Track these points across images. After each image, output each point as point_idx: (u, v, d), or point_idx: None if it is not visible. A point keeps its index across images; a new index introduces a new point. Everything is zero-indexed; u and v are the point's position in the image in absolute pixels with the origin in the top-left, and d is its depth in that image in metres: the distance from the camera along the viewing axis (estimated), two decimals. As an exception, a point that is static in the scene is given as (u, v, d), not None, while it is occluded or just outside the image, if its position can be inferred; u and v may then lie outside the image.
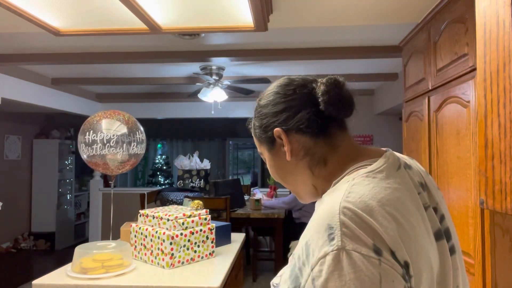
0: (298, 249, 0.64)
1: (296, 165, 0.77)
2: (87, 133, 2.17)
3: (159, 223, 1.86)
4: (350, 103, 0.74)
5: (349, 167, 0.71)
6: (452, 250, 0.70)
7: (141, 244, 1.89)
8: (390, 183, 0.66)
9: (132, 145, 2.22)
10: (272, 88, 0.81)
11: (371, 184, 0.64)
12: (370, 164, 0.69)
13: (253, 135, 0.83)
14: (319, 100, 0.73)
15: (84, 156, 2.22)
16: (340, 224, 0.57)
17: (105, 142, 2.14)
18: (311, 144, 0.75)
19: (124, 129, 2.21)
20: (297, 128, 0.75)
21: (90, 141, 2.15)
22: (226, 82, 4.18)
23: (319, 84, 0.75)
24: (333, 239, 0.56)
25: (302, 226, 4.11)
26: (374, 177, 0.66)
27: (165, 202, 3.70)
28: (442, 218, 0.72)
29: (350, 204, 0.60)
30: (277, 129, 0.76)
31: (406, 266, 0.57)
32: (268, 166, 0.83)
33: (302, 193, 0.81)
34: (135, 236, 1.94)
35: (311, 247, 0.59)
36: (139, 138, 2.29)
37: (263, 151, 0.82)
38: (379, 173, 0.67)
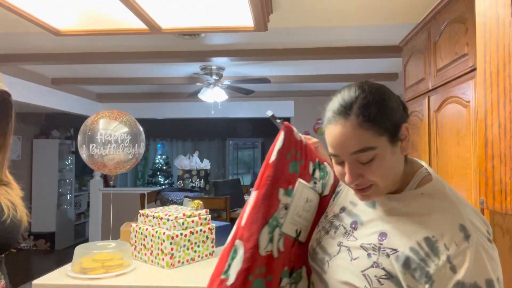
0: (408, 243, 0.73)
1: (402, 159, 0.82)
2: (87, 133, 2.17)
3: (159, 223, 1.86)
4: None
5: (414, 167, 0.84)
6: None
7: (141, 244, 1.89)
8: None
9: (132, 145, 2.22)
10: (368, 86, 0.83)
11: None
12: (427, 169, 0.83)
13: (368, 129, 0.76)
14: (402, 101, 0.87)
15: (84, 156, 2.22)
16: (473, 225, 0.72)
17: (104, 142, 2.14)
18: None
19: (123, 129, 2.21)
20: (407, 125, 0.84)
21: (90, 141, 2.15)
22: (226, 82, 4.17)
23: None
24: (469, 236, 0.70)
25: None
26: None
27: (165, 202, 3.70)
28: None
29: (472, 209, 0.77)
30: (406, 124, 0.81)
31: None
32: (380, 162, 0.76)
33: (388, 187, 0.81)
34: (135, 236, 1.93)
35: (440, 241, 0.71)
36: (139, 138, 2.29)
37: (381, 145, 0.76)
38: None
